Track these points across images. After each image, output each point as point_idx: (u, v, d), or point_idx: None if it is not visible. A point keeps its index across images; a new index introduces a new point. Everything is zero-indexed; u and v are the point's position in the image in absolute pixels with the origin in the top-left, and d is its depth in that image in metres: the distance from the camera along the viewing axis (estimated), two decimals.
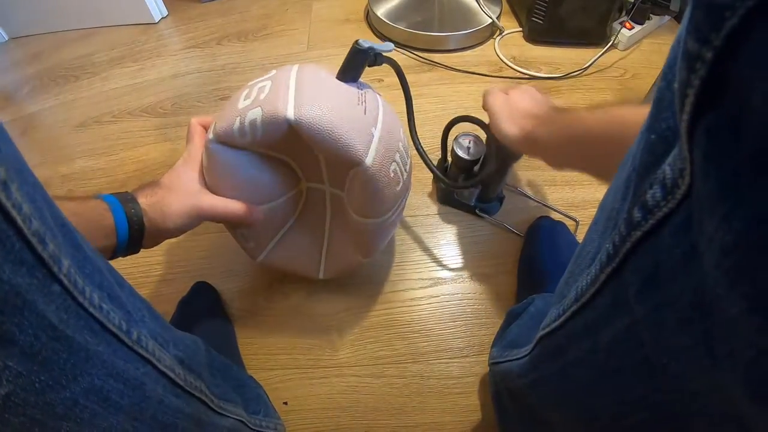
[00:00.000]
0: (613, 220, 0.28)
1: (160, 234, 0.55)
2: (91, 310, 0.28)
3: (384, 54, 0.60)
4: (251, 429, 0.56)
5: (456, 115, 0.78)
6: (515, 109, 0.63)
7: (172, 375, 0.38)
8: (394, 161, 0.60)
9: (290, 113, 0.51)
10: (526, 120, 0.60)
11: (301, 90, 0.54)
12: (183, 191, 0.57)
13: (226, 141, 0.56)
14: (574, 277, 0.35)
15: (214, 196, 0.60)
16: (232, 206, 0.60)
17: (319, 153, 0.61)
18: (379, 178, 0.57)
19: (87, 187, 1.01)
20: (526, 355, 0.48)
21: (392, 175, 0.59)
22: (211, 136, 0.57)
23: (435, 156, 0.88)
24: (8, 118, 1.22)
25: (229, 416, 0.50)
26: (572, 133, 0.53)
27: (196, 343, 0.50)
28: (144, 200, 0.54)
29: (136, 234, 0.52)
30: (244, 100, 0.55)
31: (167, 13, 1.49)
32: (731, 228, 0.17)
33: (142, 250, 0.56)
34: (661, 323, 0.24)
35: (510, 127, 0.61)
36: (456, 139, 0.80)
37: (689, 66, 0.18)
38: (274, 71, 0.59)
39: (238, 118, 0.54)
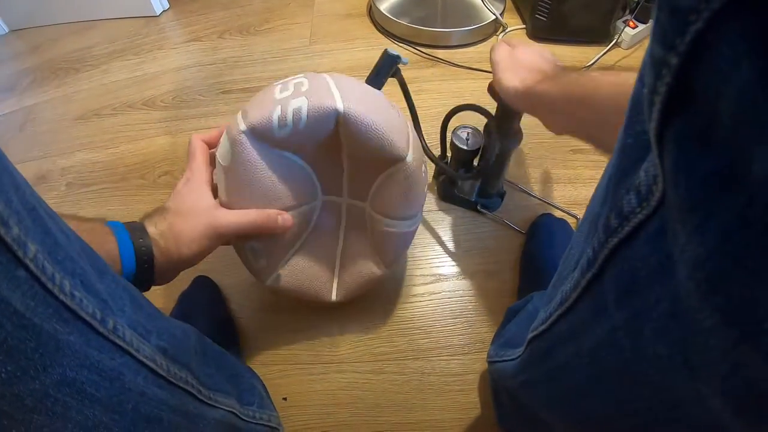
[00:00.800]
0: (594, 224, 0.27)
1: (175, 264, 0.50)
2: (61, 297, 0.27)
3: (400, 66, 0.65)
4: (243, 420, 0.55)
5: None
6: (519, 62, 0.60)
7: (153, 365, 0.37)
8: (424, 162, 0.62)
9: (339, 105, 0.51)
10: (529, 73, 0.58)
11: (342, 88, 0.53)
12: (194, 212, 0.52)
13: (261, 133, 0.52)
14: (560, 280, 0.35)
15: (229, 210, 0.55)
16: (253, 215, 0.55)
17: (358, 151, 0.57)
18: (417, 175, 0.59)
19: (87, 180, 1.00)
20: (518, 357, 0.48)
21: (423, 174, 0.62)
22: (242, 127, 0.52)
23: (435, 152, 0.88)
24: (8, 110, 1.21)
25: (219, 407, 0.49)
26: (578, 91, 0.50)
27: (186, 332, 0.48)
28: (153, 229, 0.49)
29: (144, 265, 0.47)
30: (281, 92, 0.53)
31: (168, 5, 1.49)
32: (703, 240, 0.17)
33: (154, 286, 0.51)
34: (639, 331, 0.24)
35: (511, 78, 0.58)
36: (454, 131, 0.80)
37: (655, 72, 0.17)
38: (302, 75, 0.57)
39: (279, 106, 0.52)
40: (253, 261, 0.63)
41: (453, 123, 0.79)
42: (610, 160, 0.29)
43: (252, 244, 0.61)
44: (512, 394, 0.55)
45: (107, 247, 0.45)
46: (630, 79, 0.43)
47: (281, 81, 0.56)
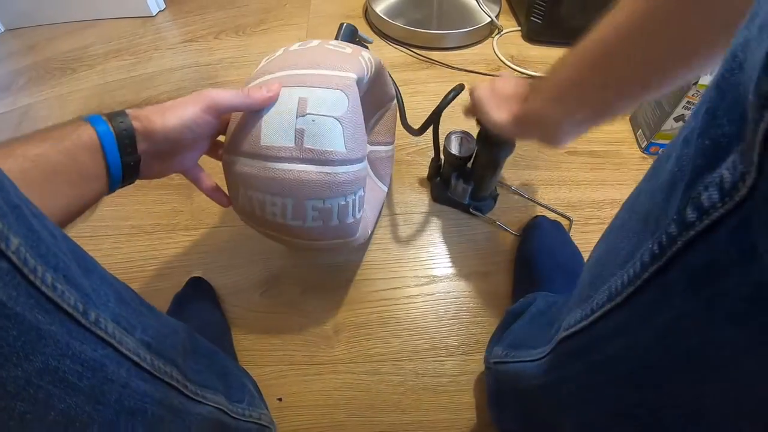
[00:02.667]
0: (653, 221, 0.29)
1: (161, 138, 0.50)
2: (43, 288, 0.28)
3: (363, 42, 0.78)
4: (232, 417, 0.55)
5: (446, 112, 0.76)
6: (501, 95, 0.62)
7: (136, 359, 0.37)
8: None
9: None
10: (512, 102, 0.60)
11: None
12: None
13: (357, 83, 0.57)
14: (602, 279, 0.36)
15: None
16: (244, 90, 0.54)
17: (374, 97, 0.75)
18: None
19: None
20: (542, 357, 0.48)
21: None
22: (352, 75, 0.56)
23: (429, 155, 0.89)
24: (3, 109, 1.21)
25: (206, 403, 0.50)
26: (561, 79, 0.51)
27: (175, 329, 0.49)
28: (134, 109, 0.50)
29: (126, 141, 0.47)
30: (338, 47, 0.61)
31: (165, 6, 1.49)
32: None
33: (144, 184, 0.55)
34: (710, 318, 0.25)
35: (499, 113, 0.60)
36: (447, 137, 0.80)
37: (762, 104, 0.19)
38: (298, 43, 0.63)
39: (360, 57, 0.60)
40: (357, 213, 0.62)
41: (447, 127, 0.79)
42: (657, 163, 0.32)
43: (360, 194, 0.61)
44: (524, 395, 0.55)
45: (84, 136, 0.46)
46: (600, 31, 0.47)
47: (301, 46, 0.61)
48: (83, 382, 0.31)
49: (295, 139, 0.54)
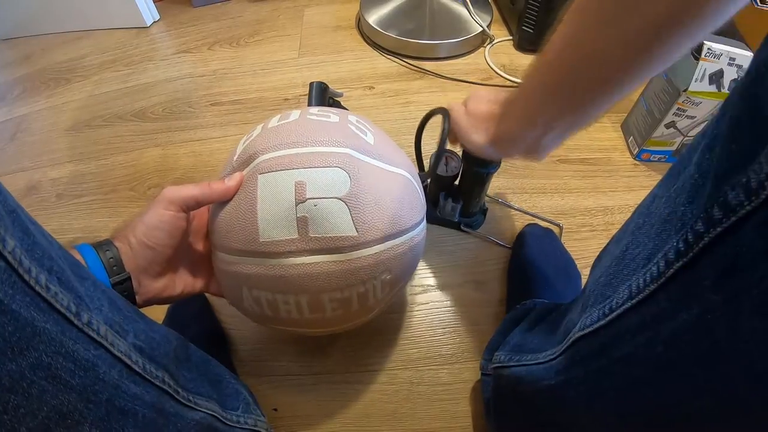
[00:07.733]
0: (676, 221, 0.31)
1: (138, 249, 0.51)
2: (37, 288, 0.29)
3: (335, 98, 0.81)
4: (226, 424, 0.55)
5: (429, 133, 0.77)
6: (475, 117, 0.62)
7: (128, 361, 0.38)
8: None
9: None
10: (487, 123, 0.59)
11: None
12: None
13: None
14: (621, 278, 0.37)
15: None
16: (198, 185, 0.54)
17: None
18: None
19: (77, 191, 1.00)
20: (553, 358, 0.48)
21: None
22: (348, 151, 0.52)
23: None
24: None
25: (198, 410, 0.50)
26: (530, 95, 0.52)
27: (167, 337, 0.49)
28: (115, 231, 0.52)
29: (114, 267, 0.49)
30: (321, 116, 0.56)
31: (159, 17, 1.49)
32: None
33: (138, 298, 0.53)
34: (737, 309, 0.26)
35: (477, 136, 0.61)
36: (432, 156, 0.80)
37: None
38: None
39: (348, 124, 0.56)
40: (379, 293, 0.56)
41: (431, 147, 0.79)
42: (673, 170, 0.36)
43: (385, 277, 0.55)
44: (527, 399, 0.55)
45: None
46: (547, 50, 0.48)
47: (281, 121, 0.56)
48: (75, 380, 0.32)
49: (299, 229, 0.49)
